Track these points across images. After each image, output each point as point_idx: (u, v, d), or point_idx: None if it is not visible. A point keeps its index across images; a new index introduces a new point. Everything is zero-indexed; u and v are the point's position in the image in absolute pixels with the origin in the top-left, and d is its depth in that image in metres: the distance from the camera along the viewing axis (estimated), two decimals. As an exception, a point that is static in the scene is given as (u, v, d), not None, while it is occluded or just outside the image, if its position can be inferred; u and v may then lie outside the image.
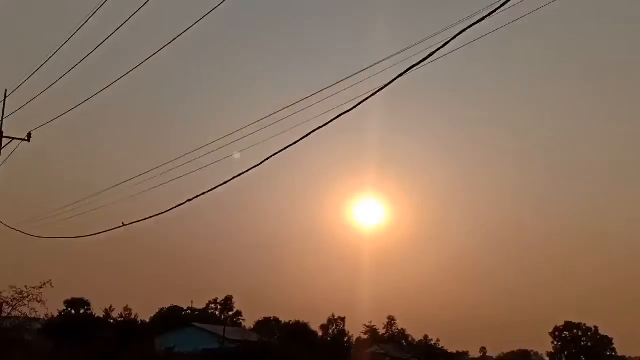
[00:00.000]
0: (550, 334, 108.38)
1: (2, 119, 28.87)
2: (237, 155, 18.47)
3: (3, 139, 29.01)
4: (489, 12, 9.36)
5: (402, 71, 10.71)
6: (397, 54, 11.78)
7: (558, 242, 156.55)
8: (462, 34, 9.68)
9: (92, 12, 17.25)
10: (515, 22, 10.80)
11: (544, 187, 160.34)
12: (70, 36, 19.29)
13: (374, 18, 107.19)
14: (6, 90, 28.53)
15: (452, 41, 9.84)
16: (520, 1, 9.35)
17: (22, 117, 29.44)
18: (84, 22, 18.05)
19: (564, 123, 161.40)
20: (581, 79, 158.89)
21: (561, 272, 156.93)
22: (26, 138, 29.37)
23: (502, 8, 9.39)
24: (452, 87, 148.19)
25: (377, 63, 12.79)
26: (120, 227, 24.37)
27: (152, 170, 23.68)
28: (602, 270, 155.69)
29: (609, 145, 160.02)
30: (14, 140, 29.25)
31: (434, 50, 10.12)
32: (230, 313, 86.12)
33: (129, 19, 16.98)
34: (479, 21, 9.38)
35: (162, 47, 17.97)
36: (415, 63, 10.42)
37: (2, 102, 28.60)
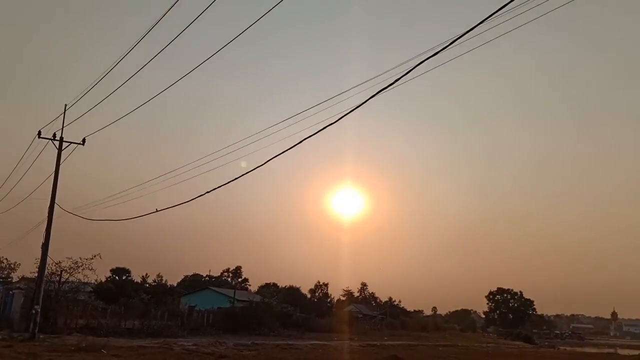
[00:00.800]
0: (486, 297, 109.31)
1: (63, 127, 28.79)
2: (243, 164, 18.66)
3: (63, 143, 28.93)
4: (441, 48, 9.53)
5: (373, 93, 10.89)
6: (368, 80, 11.98)
7: (500, 228, 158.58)
8: (420, 65, 9.87)
9: (140, 39, 17.20)
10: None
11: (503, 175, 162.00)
12: (119, 60, 19.24)
13: (350, 48, 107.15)
14: (65, 105, 28.48)
15: (409, 74, 10.03)
16: (463, 40, 9.50)
17: (78, 125, 29.37)
18: (131, 48, 18.00)
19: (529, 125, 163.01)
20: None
21: (497, 250, 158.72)
22: (81, 142, 29.31)
23: (455, 43, 9.58)
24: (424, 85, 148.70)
25: (353, 87, 13.01)
26: (154, 212, 24.44)
27: (180, 168, 23.87)
28: (530, 248, 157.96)
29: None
30: (72, 144, 29.21)
31: (398, 77, 10.29)
32: (240, 280, 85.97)
33: (168, 45, 17.02)
34: (431, 56, 9.55)
35: (192, 69, 18.07)
36: (383, 87, 10.59)
37: (63, 114, 28.52)
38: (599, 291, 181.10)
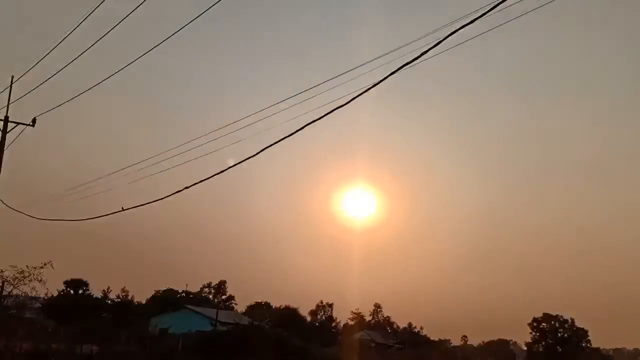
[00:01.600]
0: (529, 324, 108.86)
1: (8, 104, 28.82)
2: (230, 161, 18.55)
3: (9, 123, 28.97)
4: (468, 21, 9.45)
5: (394, 69, 10.80)
6: (387, 54, 11.88)
7: (544, 237, 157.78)
8: (447, 39, 9.78)
9: (98, 4, 17.20)
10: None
11: (536, 180, 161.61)
12: (75, 27, 19.23)
13: (365, 19, 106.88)
14: (12, 77, 28.49)
15: (439, 45, 9.94)
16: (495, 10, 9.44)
17: (26, 103, 29.39)
18: (89, 13, 17.99)
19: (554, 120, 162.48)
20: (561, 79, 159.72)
21: (543, 266, 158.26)
22: (31, 123, 29.33)
23: (483, 17, 9.51)
24: (442, 82, 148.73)
25: (367, 62, 12.91)
26: (119, 211, 24.41)
27: (151, 158, 23.73)
28: (582, 266, 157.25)
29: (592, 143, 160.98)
30: (19, 125, 29.23)
31: (424, 51, 10.20)
32: (224, 297, 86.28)
33: (131, 12, 16.98)
34: (459, 29, 9.47)
35: (162, 40, 18.01)
36: (406, 62, 10.50)
37: (9, 88, 28.54)
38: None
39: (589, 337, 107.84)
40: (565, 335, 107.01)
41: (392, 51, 11.69)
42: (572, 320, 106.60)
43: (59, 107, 28.92)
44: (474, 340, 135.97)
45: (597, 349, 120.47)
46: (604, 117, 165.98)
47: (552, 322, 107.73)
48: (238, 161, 15.84)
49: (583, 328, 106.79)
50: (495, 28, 10.90)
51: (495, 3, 9.32)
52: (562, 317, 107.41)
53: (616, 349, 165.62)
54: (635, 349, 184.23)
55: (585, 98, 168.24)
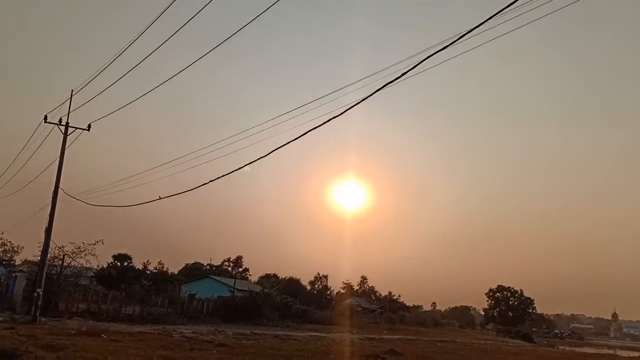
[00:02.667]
0: (486, 294, 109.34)
1: (69, 112, 28.95)
2: (247, 169, 18.67)
3: (69, 128, 29.09)
4: (443, 46, 9.59)
5: (379, 87, 10.96)
6: (372, 75, 12.04)
7: (502, 224, 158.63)
8: (426, 60, 9.93)
9: (146, 27, 17.32)
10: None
11: (501, 176, 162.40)
12: (125, 47, 19.34)
13: (358, 43, 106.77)
14: (72, 90, 28.64)
15: (416, 67, 10.09)
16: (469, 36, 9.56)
17: (84, 111, 29.55)
18: (138, 35, 18.11)
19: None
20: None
21: (499, 247, 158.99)
22: (87, 128, 29.48)
23: (462, 39, 9.65)
24: (421, 95, 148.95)
25: (357, 81, 13.07)
26: (157, 199, 24.61)
27: (182, 157, 23.99)
28: (530, 247, 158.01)
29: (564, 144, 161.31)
30: (77, 130, 29.38)
31: (405, 71, 10.36)
32: (240, 269, 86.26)
33: (174, 34, 17.11)
34: (435, 53, 9.62)
35: (196, 60, 18.15)
36: (389, 81, 10.66)
37: (70, 100, 28.68)
38: (600, 292, 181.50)
39: (534, 305, 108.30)
40: (515, 303, 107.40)
41: (374, 73, 11.89)
42: (521, 290, 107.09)
43: (110, 115, 29.13)
44: (442, 306, 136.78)
45: (541, 314, 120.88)
46: (559, 129, 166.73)
47: (505, 292, 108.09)
48: (251, 160, 16.07)
49: (530, 297, 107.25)
50: (463, 52, 11.07)
51: (464, 32, 9.47)
52: (512, 288, 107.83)
53: (556, 314, 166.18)
54: (572, 315, 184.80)
55: (544, 111, 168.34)
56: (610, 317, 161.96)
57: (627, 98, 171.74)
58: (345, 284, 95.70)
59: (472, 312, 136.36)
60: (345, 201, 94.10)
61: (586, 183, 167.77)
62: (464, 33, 9.49)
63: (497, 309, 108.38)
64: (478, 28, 9.12)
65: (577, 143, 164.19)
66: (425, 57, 9.94)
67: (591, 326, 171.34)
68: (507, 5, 8.64)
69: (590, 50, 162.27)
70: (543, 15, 9.73)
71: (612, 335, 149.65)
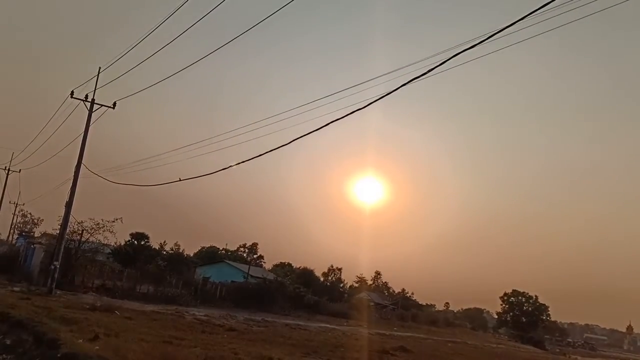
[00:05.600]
0: (501, 297, 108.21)
1: (95, 89, 29.28)
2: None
3: (94, 105, 29.42)
4: (474, 44, 9.45)
5: (403, 83, 10.85)
6: (395, 70, 11.92)
7: (521, 229, 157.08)
8: (451, 59, 9.80)
9: (176, 9, 17.41)
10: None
11: (523, 176, 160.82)
12: (153, 29, 19.47)
13: (383, 39, 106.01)
14: (99, 68, 28.94)
15: (441, 66, 9.97)
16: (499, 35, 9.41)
17: (110, 89, 29.85)
18: (166, 18, 18.22)
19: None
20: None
21: (516, 252, 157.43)
22: (112, 106, 29.79)
23: (487, 40, 9.49)
24: (446, 82, 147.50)
25: (380, 76, 12.96)
26: (177, 181, 24.80)
27: (203, 140, 24.13)
28: (547, 254, 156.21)
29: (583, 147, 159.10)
30: (102, 107, 29.70)
31: (430, 69, 10.24)
32: (255, 256, 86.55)
33: (201, 19, 17.15)
34: (462, 51, 9.48)
35: (222, 45, 18.18)
36: (414, 77, 10.56)
37: (96, 77, 28.99)
38: (617, 303, 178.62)
39: (549, 312, 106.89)
40: (530, 308, 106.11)
41: (398, 69, 11.78)
42: (536, 296, 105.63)
43: (135, 94, 29.38)
44: (455, 307, 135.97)
45: (555, 322, 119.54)
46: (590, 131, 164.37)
47: (520, 297, 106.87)
48: (272, 148, 16.06)
49: (544, 304, 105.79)
50: (485, 55, 10.91)
51: (491, 33, 9.32)
52: (528, 293, 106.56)
53: (570, 323, 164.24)
54: (586, 324, 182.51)
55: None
56: (625, 330, 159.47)
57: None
58: (359, 277, 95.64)
59: (485, 315, 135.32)
60: (364, 195, 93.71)
61: (611, 192, 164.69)
62: (493, 32, 9.33)
63: (511, 314, 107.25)
64: (510, 27, 8.96)
65: (606, 147, 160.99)
66: (452, 55, 9.80)
67: (605, 337, 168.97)
68: (541, 5, 8.47)
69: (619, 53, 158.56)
70: (580, 17, 9.50)
71: (625, 347, 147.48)
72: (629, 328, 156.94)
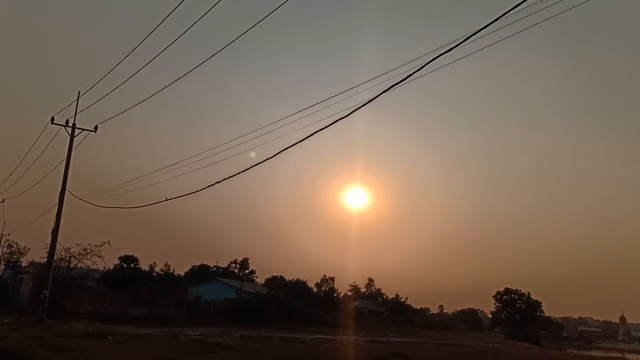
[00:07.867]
0: (494, 297, 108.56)
1: (75, 114, 29.06)
2: (252, 154, 18.62)
3: (75, 129, 29.19)
4: (454, 45, 9.52)
5: (385, 88, 10.89)
6: (379, 76, 11.98)
7: (511, 230, 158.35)
8: (432, 62, 9.86)
9: (153, 29, 17.35)
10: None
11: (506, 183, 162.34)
12: (131, 50, 19.40)
13: (364, 47, 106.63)
14: (79, 92, 28.74)
15: (426, 66, 10.02)
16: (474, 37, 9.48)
17: (90, 113, 29.64)
18: (143, 39, 18.16)
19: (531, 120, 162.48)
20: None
21: (506, 253, 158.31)
22: (94, 129, 29.58)
23: (468, 40, 9.57)
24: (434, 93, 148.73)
25: (364, 82, 13.00)
26: (163, 201, 24.62)
27: (187, 159, 24.03)
28: (538, 251, 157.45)
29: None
30: (84, 131, 29.47)
31: (412, 72, 10.30)
32: (247, 271, 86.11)
33: (180, 36, 17.11)
34: (443, 54, 9.55)
35: (204, 60, 18.14)
36: (395, 83, 10.60)
37: (76, 101, 28.79)
38: (608, 295, 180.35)
39: (542, 308, 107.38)
40: (523, 306, 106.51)
41: (381, 75, 11.84)
42: (529, 293, 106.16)
43: (116, 116, 29.22)
44: (449, 309, 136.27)
45: (549, 317, 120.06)
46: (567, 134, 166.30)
47: (512, 295, 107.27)
48: (258, 162, 16.02)
49: (537, 300, 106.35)
50: (465, 57, 11.00)
51: (469, 34, 9.40)
52: (520, 291, 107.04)
53: (564, 317, 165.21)
54: (580, 317, 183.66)
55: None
56: (618, 321, 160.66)
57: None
58: (352, 286, 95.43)
59: (479, 315, 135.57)
60: (353, 203, 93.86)
61: (596, 185, 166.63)
62: (469, 35, 9.41)
63: (505, 312, 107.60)
64: (485, 29, 9.05)
65: (584, 148, 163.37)
66: (431, 59, 9.87)
67: (599, 329, 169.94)
68: (514, 6, 8.57)
69: (598, 53, 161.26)
70: (553, 15, 9.64)
71: (620, 338, 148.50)
72: (622, 318, 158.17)
